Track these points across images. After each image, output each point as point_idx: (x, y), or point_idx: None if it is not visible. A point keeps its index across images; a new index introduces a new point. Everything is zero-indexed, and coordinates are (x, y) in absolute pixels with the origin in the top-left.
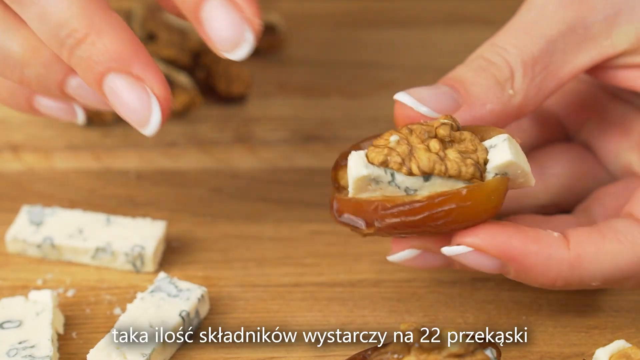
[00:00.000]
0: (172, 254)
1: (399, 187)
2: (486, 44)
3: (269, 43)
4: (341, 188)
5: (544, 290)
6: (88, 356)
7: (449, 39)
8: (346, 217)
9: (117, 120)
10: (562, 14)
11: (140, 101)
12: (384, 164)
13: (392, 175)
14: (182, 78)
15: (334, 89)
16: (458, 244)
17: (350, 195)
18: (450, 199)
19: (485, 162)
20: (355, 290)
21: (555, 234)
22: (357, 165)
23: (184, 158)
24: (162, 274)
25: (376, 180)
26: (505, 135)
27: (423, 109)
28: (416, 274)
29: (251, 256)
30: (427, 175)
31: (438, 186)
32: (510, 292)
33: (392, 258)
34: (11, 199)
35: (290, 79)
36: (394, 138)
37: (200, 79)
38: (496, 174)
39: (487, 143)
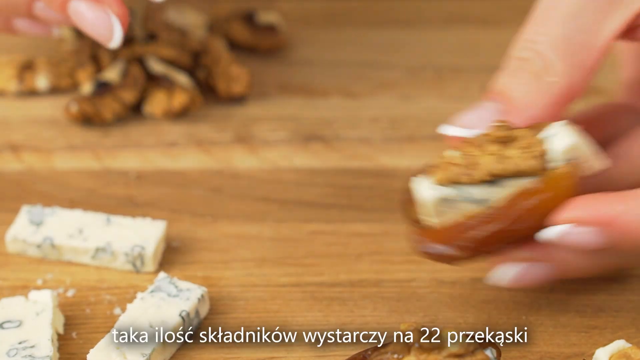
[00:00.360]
0: (172, 254)
1: (472, 202)
2: (516, 42)
3: (269, 43)
4: (416, 222)
5: (544, 290)
6: (88, 356)
7: (449, 39)
8: (434, 247)
9: (117, 120)
10: None
11: (101, 20)
12: (453, 181)
13: (464, 190)
14: (182, 78)
15: (334, 89)
16: (557, 224)
17: (429, 224)
18: (530, 195)
19: (547, 152)
20: (355, 290)
21: None
22: (426, 191)
23: (184, 158)
24: (162, 274)
25: (449, 201)
26: (563, 122)
27: (474, 132)
28: (416, 274)
29: (251, 256)
30: (496, 180)
31: (510, 189)
32: (510, 292)
33: (494, 279)
34: (11, 199)
35: (290, 79)
36: (453, 154)
37: (200, 79)
38: (564, 161)
39: (545, 133)
